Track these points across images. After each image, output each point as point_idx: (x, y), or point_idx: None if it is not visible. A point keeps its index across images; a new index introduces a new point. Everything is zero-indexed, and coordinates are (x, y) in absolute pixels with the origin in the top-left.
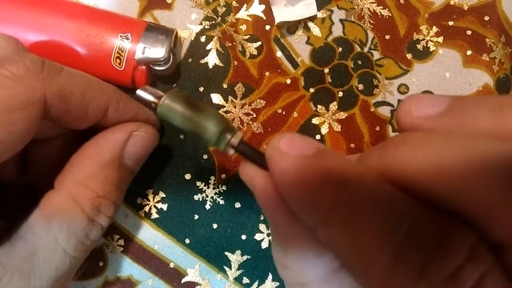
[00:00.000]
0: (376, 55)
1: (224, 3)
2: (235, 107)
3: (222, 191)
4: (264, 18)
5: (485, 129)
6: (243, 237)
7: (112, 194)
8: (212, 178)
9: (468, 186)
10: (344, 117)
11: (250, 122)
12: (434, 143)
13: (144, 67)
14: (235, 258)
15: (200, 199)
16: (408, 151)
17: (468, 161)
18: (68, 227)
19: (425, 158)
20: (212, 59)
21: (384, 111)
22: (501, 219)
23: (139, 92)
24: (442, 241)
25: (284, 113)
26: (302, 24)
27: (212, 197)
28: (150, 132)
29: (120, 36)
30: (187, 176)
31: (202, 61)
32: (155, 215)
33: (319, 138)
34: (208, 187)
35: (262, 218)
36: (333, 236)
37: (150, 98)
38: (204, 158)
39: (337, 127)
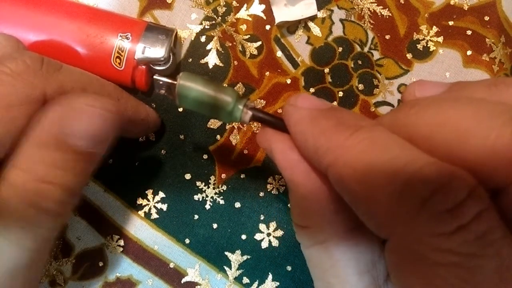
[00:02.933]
0: (376, 55)
1: (224, 3)
2: None
3: (222, 191)
4: (264, 18)
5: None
6: (243, 237)
7: (54, 176)
8: (212, 178)
9: (471, 135)
10: None
11: (250, 122)
12: (442, 102)
13: (144, 67)
14: (235, 258)
15: (200, 199)
16: (420, 110)
17: (469, 116)
18: (9, 216)
19: (434, 116)
20: (212, 59)
21: (385, 111)
22: (502, 165)
23: (156, 77)
24: (445, 181)
25: None
26: (302, 24)
27: (212, 197)
28: (99, 105)
29: (120, 36)
30: (187, 176)
31: (202, 61)
32: (155, 215)
33: None
34: (208, 187)
35: (262, 218)
36: (343, 176)
37: (167, 80)
38: (204, 158)
39: None
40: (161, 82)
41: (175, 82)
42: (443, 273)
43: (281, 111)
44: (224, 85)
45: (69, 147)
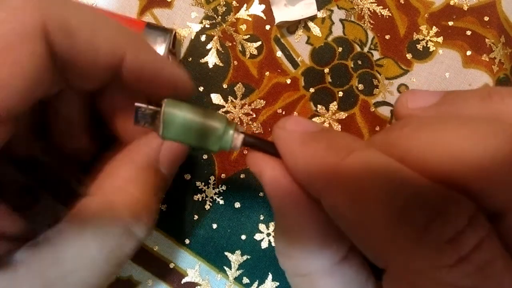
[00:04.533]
0: (376, 55)
1: (224, 3)
2: (235, 107)
3: (222, 191)
4: (264, 18)
5: (476, 115)
6: (243, 237)
7: (152, 200)
8: (212, 178)
9: (466, 157)
10: (344, 117)
11: (250, 122)
12: (434, 122)
13: None
14: (235, 258)
15: (200, 199)
16: (411, 131)
17: (463, 136)
18: (103, 236)
19: (427, 137)
20: (212, 59)
21: (384, 111)
22: (500, 188)
23: (138, 104)
24: (444, 207)
25: (284, 113)
26: (302, 24)
27: (212, 197)
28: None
29: None
30: (187, 176)
31: (202, 61)
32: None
33: None
34: (208, 187)
35: (262, 218)
36: (337, 201)
37: (151, 107)
38: (204, 158)
39: (337, 127)
40: (143, 110)
41: (160, 109)
42: None
43: (281, 111)
44: (213, 110)
45: (161, 174)
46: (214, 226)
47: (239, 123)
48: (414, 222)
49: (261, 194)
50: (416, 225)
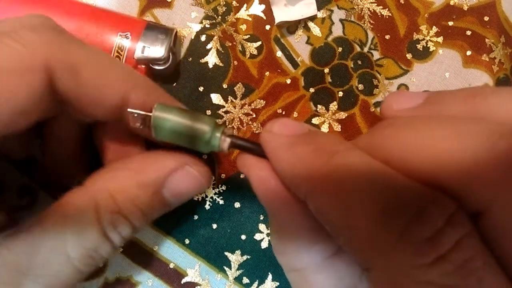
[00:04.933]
0: (376, 55)
1: (224, 3)
2: (235, 107)
3: (221, 191)
4: (264, 18)
5: (459, 115)
6: (243, 237)
7: (134, 216)
8: (212, 178)
9: (448, 156)
10: (344, 117)
11: (250, 122)
12: (416, 122)
13: (143, 66)
14: (235, 258)
15: (200, 199)
16: (394, 131)
17: (444, 136)
18: (81, 234)
19: (409, 137)
20: (212, 59)
21: None
22: (480, 186)
23: (131, 109)
24: (422, 208)
25: (284, 113)
26: (302, 24)
27: (211, 197)
28: (202, 172)
29: (120, 35)
30: None
31: (202, 61)
32: None
33: None
34: (208, 187)
35: (261, 218)
36: (322, 204)
37: (141, 112)
38: (204, 158)
39: (337, 127)
40: (135, 115)
41: (150, 114)
42: None
43: (281, 111)
44: (202, 114)
45: (161, 197)
46: (214, 226)
47: (239, 123)
48: (394, 223)
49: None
50: (396, 225)
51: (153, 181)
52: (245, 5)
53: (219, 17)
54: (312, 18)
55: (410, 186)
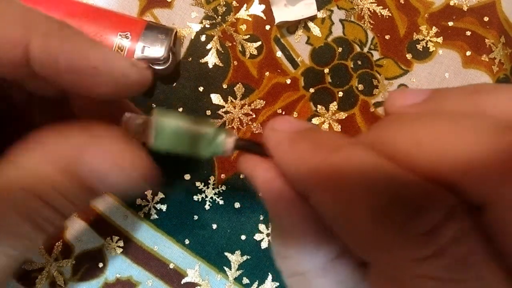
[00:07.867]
0: (376, 55)
1: (224, 3)
2: (234, 107)
3: (221, 191)
4: (264, 18)
5: (462, 111)
6: (243, 237)
7: (56, 200)
8: (212, 178)
9: (451, 151)
10: (344, 117)
11: (250, 123)
12: (420, 118)
13: None
14: (235, 258)
15: (200, 200)
16: (397, 127)
17: (447, 131)
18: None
19: (412, 133)
20: (212, 59)
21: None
22: (481, 181)
23: (128, 114)
24: (422, 202)
25: (284, 113)
26: (302, 24)
27: (211, 197)
28: (124, 149)
29: (120, 35)
30: (187, 176)
31: (202, 61)
32: (154, 216)
33: None
34: (208, 187)
35: (261, 218)
36: (323, 200)
37: (142, 116)
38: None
39: (337, 127)
40: (133, 120)
41: (151, 117)
42: None
43: (280, 112)
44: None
45: (88, 186)
46: (214, 226)
47: (239, 123)
48: (394, 217)
49: (260, 194)
50: (396, 219)
51: (64, 161)
52: (245, 5)
53: (219, 17)
54: (312, 18)
55: (411, 181)
